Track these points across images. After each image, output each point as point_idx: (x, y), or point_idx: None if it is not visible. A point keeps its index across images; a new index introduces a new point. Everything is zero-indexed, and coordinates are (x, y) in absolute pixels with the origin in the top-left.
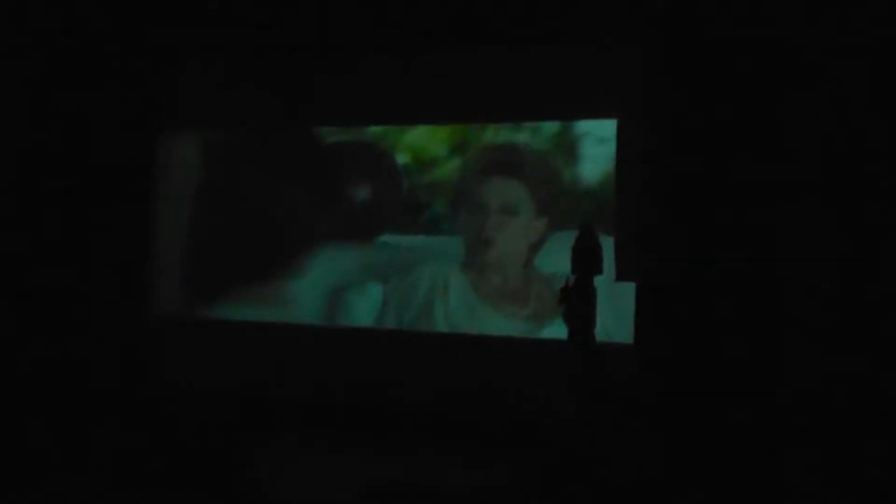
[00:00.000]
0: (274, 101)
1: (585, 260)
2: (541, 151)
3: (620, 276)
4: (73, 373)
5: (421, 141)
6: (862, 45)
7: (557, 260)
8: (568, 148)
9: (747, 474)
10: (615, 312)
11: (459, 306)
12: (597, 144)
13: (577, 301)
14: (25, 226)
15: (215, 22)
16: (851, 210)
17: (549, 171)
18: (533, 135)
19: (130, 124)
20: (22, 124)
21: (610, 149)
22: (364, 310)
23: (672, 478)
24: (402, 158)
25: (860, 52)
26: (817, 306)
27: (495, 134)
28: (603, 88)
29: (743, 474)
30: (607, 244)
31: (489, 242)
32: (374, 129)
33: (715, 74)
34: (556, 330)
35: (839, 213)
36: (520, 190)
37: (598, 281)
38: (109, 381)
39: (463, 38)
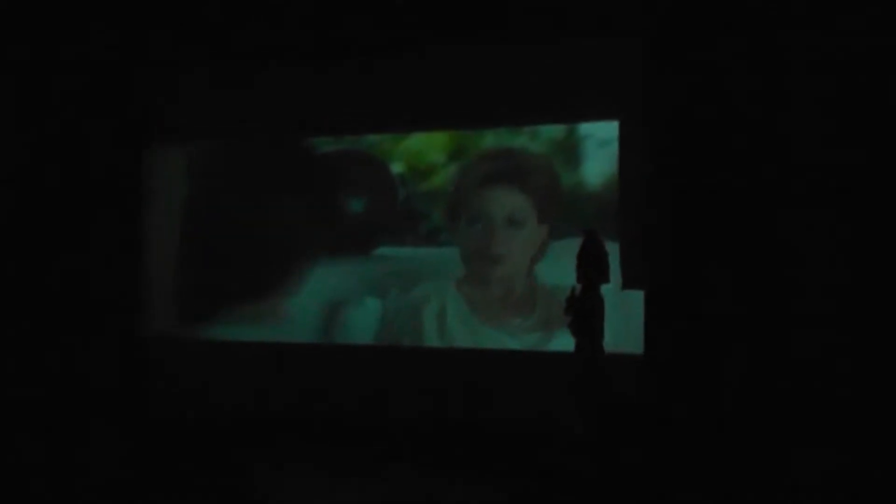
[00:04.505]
0: (264, 111)
1: (591, 268)
2: (539, 155)
3: (627, 284)
4: (65, 391)
5: (417, 148)
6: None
7: (561, 269)
8: (569, 152)
9: (759, 486)
10: (624, 322)
11: (463, 320)
12: (599, 147)
13: (584, 311)
14: (13, 241)
15: (204, 30)
16: (867, 214)
17: (549, 177)
18: (532, 139)
19: (118, 137)
20: (9, 142)
21: (612, 151)
22: (362, 326)
23: (681, 491)
24: (397, 167)
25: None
26: (831, 314)
27: (495, 139)
28: (604, 89)
29: (754, 486)
30: (613, 251)
31: (499, 258)
32: (368, 138)
33: (719, 72)
34: (563, 342)
35: (854, 216)
36: (523, 200)
37: (606, 289)
38: (102, 400)
39: (458, 41)
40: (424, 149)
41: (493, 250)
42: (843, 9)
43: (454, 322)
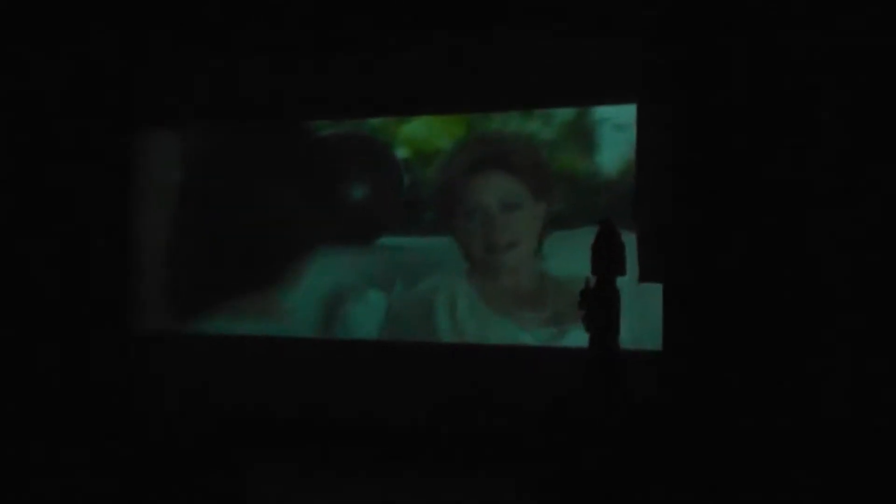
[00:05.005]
0: (262, 94)
1: (606, 260)
2: (515, 134)
3: (644, 276)
4: (56, 389)
5: (422, 132)
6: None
7: (575, 261)
8: (583, 137)
9: (771, 485)
10: (641, 317)
11: (474, 314)
12: (615, 132)
13: (598, 304)
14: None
15: (199, 12)
16: (887, 214)
17: (532, 152)
18: (544, 123)
19: (106, 121)
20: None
21: (629, 137)
22: (365, 320)
23: (690, 490)
24: (401, 152)
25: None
26: (853, 311)
27: (503, 123)
28: (619, 70)
29: (768, 484)
30: (629, 242)
31: (507, 246)
32: (371, 122)
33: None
34: (577, 336)
35: (874, 216)
36: (511, 181)
37: (622, 282)
38: (93, 398)
39: (468, 22)
40: (430, 133)
41: (499, 239)
42: (843, 9)
43: (465, 316)
